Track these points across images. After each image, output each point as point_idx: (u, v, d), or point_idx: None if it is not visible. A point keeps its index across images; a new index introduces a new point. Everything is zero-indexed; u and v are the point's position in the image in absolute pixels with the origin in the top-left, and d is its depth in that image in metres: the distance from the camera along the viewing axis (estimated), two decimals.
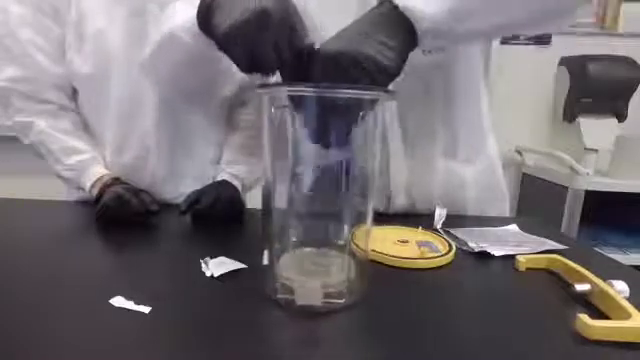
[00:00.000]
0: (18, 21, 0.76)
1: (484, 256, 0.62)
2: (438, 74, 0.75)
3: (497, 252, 0.62)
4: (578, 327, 0.41)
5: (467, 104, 0.80)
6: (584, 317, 0.41)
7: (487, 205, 0.86)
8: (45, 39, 0.77)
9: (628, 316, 0.41)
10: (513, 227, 0.77)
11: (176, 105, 0.83)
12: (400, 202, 0.83)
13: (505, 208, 0.90)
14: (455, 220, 0.76)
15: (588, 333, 0.40)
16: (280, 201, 0.49)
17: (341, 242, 0.50)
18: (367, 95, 0.44)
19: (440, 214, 0.75)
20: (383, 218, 0.72)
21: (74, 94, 0.84)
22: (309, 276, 0.48)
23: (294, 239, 0.52)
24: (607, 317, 0.44)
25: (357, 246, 0.49)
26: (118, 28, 0.77)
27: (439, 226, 0.73)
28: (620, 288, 0.47)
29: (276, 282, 0.48)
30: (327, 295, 0.45)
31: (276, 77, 0.53)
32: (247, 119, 0.94)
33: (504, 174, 0.89)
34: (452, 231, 0.71)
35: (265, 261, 0.49)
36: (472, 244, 0.65)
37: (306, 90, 0.43)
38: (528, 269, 0.58)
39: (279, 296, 0.46)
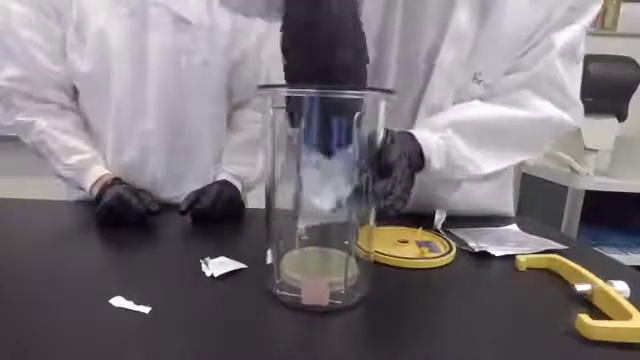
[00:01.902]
0: (19, 20, 0.76)
1: (484, 256, 0.62)
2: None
3: (497, 252, 0.62)
4: (578, 327, 0.41)
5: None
6: (584, 317, 0.41)
7: (494, 200, 0.86)
8: (46, 39, 0.77)
9: (629, 316, 0.41)
10: (513, 227, 0.77)
11: (176, 105, 0.83)
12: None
13: (510, 202, 0.90)
14: (455, 220, 0.76)
15: (588, 333, 0.40)
16: (283, 201, 0.49)
17: (344, 242, 0.50)
18: (367, 95, 0.44)
19: (439, 216, 0.75)
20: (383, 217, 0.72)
21: (75, 94, 0.84)
22: (314, 276, 0.48)
23: (297, 238, 0.52)
24: (607, 317, 0.44)
25: (360, 247, 0.49)
26: (119, 28, 0.77)
27: (439, 226, 0.73)
28: (620, 288, 0.47)
29: (280, 281, 0.48)
30: (331, 295, 0.45)
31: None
32: (247, 119, 0.94)
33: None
34: (452, 231, 0.71)
35: (269, 260, 0.49)
36: (472, 244, 0.65)
37: (306, 90, 0.43)
38: (528, 269, 0.58)
39: (283, 295, 0.46)
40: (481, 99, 0.72)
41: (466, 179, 0.72)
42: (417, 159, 0.65)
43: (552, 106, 0.70)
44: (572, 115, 0.71)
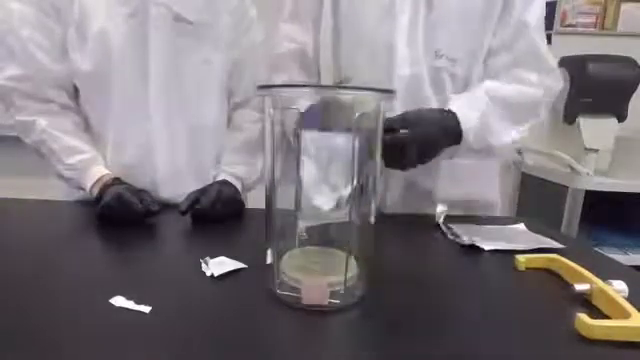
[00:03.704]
0: (19, 19, 0.76)
1: (484, 256, 0.62)
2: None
3: (487, 246, 0.63)
4: (577, 326, 0.41)
5: None
6: (584, 317, 0.41)
7: (481, 186, 0.89)
8: (46, 38, 0.77)
9: (628, 316, 0.42)
10: (520, 226, 0.77)
11: (177, 104, 0.83)
12: (396, 192, 0.83)
13: (496, 188, 0.92)
14: (461, 219, 0.76)
15: (587, 332, 0.40)
16: (283, 201, 0.49)
17: (344, 242, 0.50)
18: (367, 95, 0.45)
19: (442, 208, 0.75)
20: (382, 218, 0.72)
21: (76, 93, 0.84)
22: (314, 276, 0.48)
23: (297, 238, 0.52)
24: (607, 317, 0.44)
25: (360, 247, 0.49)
26: (120, 27, 0.77)
27: (441, 221, 0.73)
28: (619, 288, 0.47)
29: (280, 281, 0.48)
30: (331, 294, 0.45)
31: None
32: (247, 119, 0.94)
33: (503, 174, 0.91)
34: (452, 226, 0.71)
35: (269, 260, 0.49)
36: (465, 237, 0.65)
37: (306, 90, 0.43)
38: (528, 269, 0.58)
39: (283, 295, 0.46)
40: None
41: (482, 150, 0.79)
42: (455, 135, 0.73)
43: (539, 77, 0.79)
44: (553, 79, 0.80)
